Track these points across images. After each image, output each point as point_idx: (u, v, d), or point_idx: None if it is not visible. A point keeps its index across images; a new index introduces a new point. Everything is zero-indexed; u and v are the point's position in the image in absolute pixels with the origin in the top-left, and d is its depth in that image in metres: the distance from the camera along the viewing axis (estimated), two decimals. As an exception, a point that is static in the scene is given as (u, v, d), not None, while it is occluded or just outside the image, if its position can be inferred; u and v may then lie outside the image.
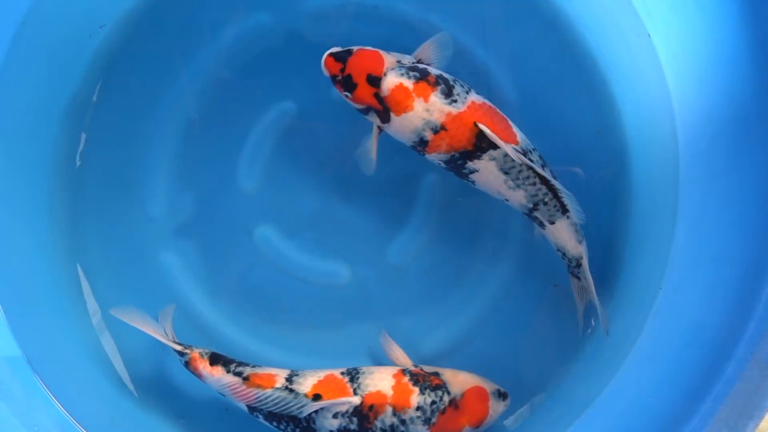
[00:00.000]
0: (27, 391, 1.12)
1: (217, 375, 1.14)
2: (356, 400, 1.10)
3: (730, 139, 1.06)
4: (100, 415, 1.21)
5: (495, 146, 1.13)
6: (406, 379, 1.13)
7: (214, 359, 1.16)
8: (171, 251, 1.34)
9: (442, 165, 1.20)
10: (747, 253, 0.97)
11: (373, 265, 1.33)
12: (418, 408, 1.11)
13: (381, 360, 1.27)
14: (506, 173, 1.15)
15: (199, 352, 1.16)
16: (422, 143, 1.16)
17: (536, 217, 1.19)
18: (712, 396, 0.87)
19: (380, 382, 1.12)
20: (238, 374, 1.14)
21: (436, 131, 1.14)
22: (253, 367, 1.16)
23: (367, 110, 1.19)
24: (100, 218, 1.33)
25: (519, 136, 1.17)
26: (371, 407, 1.10)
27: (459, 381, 1.15)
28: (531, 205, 1.17)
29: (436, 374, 1.16)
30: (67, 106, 1.32)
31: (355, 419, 1.10)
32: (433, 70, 1.17)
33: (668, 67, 1.20)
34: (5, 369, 1.10)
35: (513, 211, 1.31)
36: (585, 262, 1.18)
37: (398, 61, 1.18)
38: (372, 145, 1.22)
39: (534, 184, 1.15)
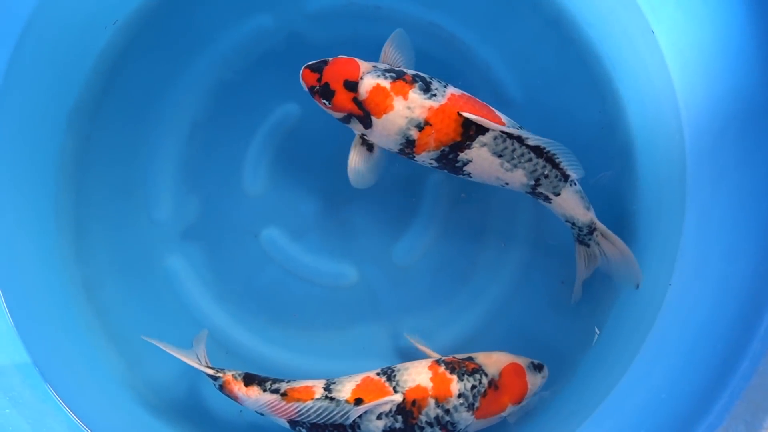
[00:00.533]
0: (37, 398, 1.11)
1: (254, 395, 1.14)
2: (398, 397, 1.10)
3: (737, 133, 1.06)
4: (111, 420, 1.20)
5: (483, 132, 1.13)
6: (442, 368, 1.13)
7: (249, 380, 1.15)
8: (177, 255, 1.33)
9: (434, 164, 1.19)
10: (758, 248, 0.96)
11: (379, 266, 1.33)
12: (459, 395, 1.11)
13: (390, 358, 1.27)
14: (500, 156, 1.14)
15: (232, 374, 1.16)
16: (409, 144, 1.15)
17: (540, 193, 1.17)
18: (728, 392, 0.86)
19: (418, 376, 1.12)
20: (275, 391, 1.13)
21: (420, 128, 1.13)
22: (288, 381, 1.15)
23: (348, 118, 1.18)
24: (106, 223, 1.33)
25: (504, 118, 1.16)
26: (414, 402, 1.10)
27: (493, 361, 1.16)
28: (533, 182, 1.16)
29: (470, 359, 1.16)
30: (70, 111, 1.31)
31: (399, 417, 1.10)
32: (409, 71, 1.18)
33: (673, 63, 1.20)
34: (15, 376, 1.10)
35: (519, 208, 1.32)
36: (601, 225, 1.17)
37: (374, 66, 1.17)
38: (353, 156, 1.20)
39: (530, 159, 1.14)
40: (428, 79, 1.16)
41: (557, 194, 1.17)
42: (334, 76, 1.16)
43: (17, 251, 1.22)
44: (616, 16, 1.28)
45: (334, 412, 1.09)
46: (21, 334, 1.15)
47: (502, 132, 1.13)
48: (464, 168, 1.17)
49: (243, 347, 1.32)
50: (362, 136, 1.20)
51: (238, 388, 1.14)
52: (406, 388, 1.11)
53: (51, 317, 1.24)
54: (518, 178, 1.16)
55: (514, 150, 1.14)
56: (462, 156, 1.15)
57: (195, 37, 1.36)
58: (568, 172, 1.15)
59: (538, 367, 1.18)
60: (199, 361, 1.17)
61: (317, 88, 1.17)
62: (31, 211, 1.26)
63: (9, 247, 1.20)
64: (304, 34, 1.36)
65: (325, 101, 1.17)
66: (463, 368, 1.13)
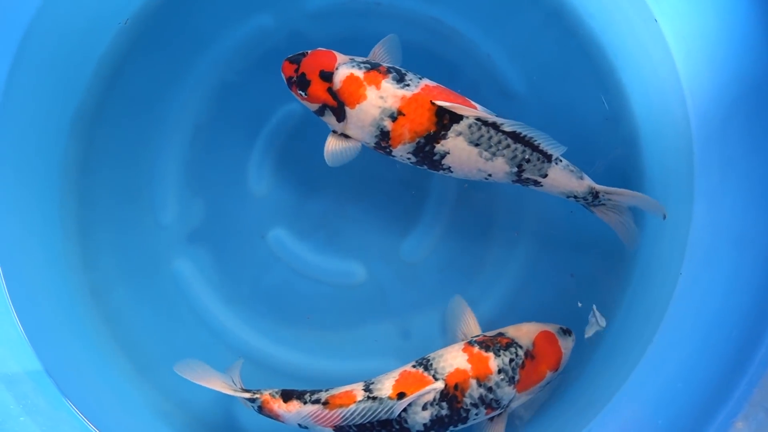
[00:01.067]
0: (51, 405, 1.11)
1: (295, 409, 1.13)
2: (440, 384, 1.10)
3: (745, 119, 1.06)
4: (124, 425, 1.20)
5: (457, 120, 1.12)
6: (476, 348, 1.14)
7: (287, 396, 1.14)
8: (184, 258, 1.33)
9: (413, 159, 1.18)
10: (770, 234, 0.96)
11: (387, 263, 1.32)
12: (499, 371, 1.11)
13: (401, 355, 1.27)
14: (477, 145, 1.13)
15: (269, 393, 1.14)
16: (384, 136, 1.15)
17: (528, 179, 1.16)
18: (746, 379, 0.86)
19: (454, 360, 1.12)
20: (316, 401, 1.12)
21: (394, 118, 1.13)
22: (327, 390, 1.14)
23: (322, 110, 1.19)
24: (112, 228, 1.32)
25: (479, 108, 1.16)
26: (456, 386, 1.10)
27: (524, 333, 1.17)
28: (516, 169, 1.15)
29: (501, 334, 1.17)
30: (73, 116, 1.31)
31: (444, 404, 1.10)
32: (386, 63, 1.18)
33: (677, 50, 1.20)
34: (28, 383, 1.10)
35: (525, 203, 1.31)
36: (601, 186, 1.16)
37: (351, 58, 1.18)
38: (330, 142, 1.19)
39: (509, 146, 1.13)
40: (403, 72, 1.16)
41: (545, 176, 1.15)
42: (310, 66, 1.17)
43: (24, 259, 1.22)
44: (618, 6, 1.27)
45: (379, 410, 1.08)
46: (32, 342, 1.15)
47: (477, 119, 1.12)
48: (443, 161, 1.16)
49: (252, 348, 1.31)
50: (340, 134, 1.20)
51: (278, 406, 1.13)
52: (446, 374, 1.11)
53: (61, 324, 1.24)
54: (500, 166, 1.15)
55: (490, 137, 1.13)
56: (438, 148, 1.14)
57: (195, 39, 1.36)
58: (550, 152, 1.14)
59: (567, 332, 1.19)
60: (234, 387, 1.16)
61: (294, 78, 1.19)
62: (36, 218, 1.26)
63: (16, 255, 1.20)
64: (305, 33, 1.36)
65: (301, 92, 1.18)
66: (497, 344, 1.14)
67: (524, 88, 1.34)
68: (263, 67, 1.36)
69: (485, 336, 1.17)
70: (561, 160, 1.16)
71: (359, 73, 1.15)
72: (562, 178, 1.16)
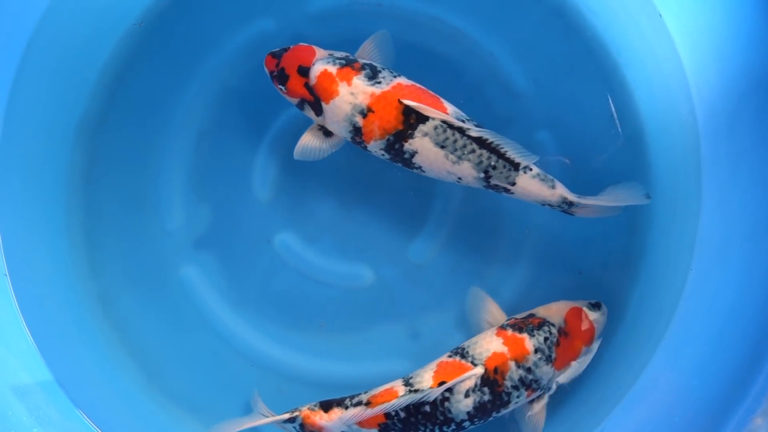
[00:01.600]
0: (63, 415, 1.11)
1: (338, 416, 1.12)
2: (479, 370, 1.10)
3: (754, 112, 1.05)
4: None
5: (423, 121, 1.13)
6: (510, 331, 1.14)
7: (326, 406, 1.13)
8: (191, 264, 1.33)
9: (386, 156, 1.18)
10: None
11: (395, 265, 1.32)
12: (536, 350, 1.12)
13: (411, 357, 1.26)
14: (443, 147, 1.13)
15: (308, 408, 1.14)
16: (357, 131, 1.16)
17: (497, 185, 1.16)
18: (764, 375, 0.86)
19: (490, 344, 1.13)
20: (358, 404, 1.12)
21: (364, 115, 1.14)
22: (366, 392, 1.14)
23: (302, 104, 1.21)
24: (118, 236, 1.32)
25: (450, 109, 1.16)
26: (496, 370, 1.11)
27: (554, 311, 1.18)
28: (483, 175, 1.14)
29: (532, 315, 1.18)
30: (77, 124, 1.31)
31: (486, 389, 1.10)
32: (363, 60, 1.19)
33: (682, 46, 1.20)
34: (39, 394, 1.10)
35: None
36: (576, 198, 1.14)
37: (330, 54, 1.19)
38: (307, 136, 1.21)
39: (474, 151, 1.13)
40: (379, 69, 1.17)
41: (513, 184, 1.15)
42: (290, 61, 1.19)
43: (32, 269, 1.22)
44: (621, 2, 1.27)
45: (417, 398, 1.07)
46: (42, 353, 1.15)
47: (443, 122, 1.12)
48: (413, 160, 1.16)
49: (261, 353, 1.31)
50: (320, 126, 1.21)
51: (320, 418, 1.13)
52: (484, 359, 1.11)
53: (70, 333, 1.24)
54: (467, 170, 1.15)
55: (455, 141, 1.13)
56: (407, 146, 1.15)
57: (197, 45, 1.35)
58: (518, 161, 1.14)
59: (596, 306, 1.20)
60: (266, 415, 1.15)
61: (275, 73, 1.20)
62: (43, 227, 1.25)
63: (24, 265, 1.20)
64: (307, 35, 1.35)
65: (280, 86, 1.20)
66: (529, 325, 1.15)
67: (528, 86, 1.34)
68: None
69: (516, 318, 1.18)
70: (531, 169, 1.15)
71: (332, 69, 1.16)
72: (532, 187, 1.15)
